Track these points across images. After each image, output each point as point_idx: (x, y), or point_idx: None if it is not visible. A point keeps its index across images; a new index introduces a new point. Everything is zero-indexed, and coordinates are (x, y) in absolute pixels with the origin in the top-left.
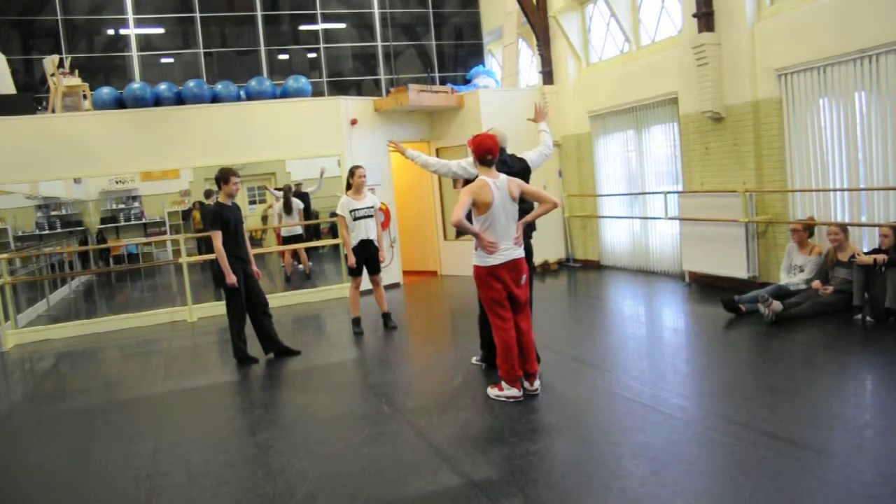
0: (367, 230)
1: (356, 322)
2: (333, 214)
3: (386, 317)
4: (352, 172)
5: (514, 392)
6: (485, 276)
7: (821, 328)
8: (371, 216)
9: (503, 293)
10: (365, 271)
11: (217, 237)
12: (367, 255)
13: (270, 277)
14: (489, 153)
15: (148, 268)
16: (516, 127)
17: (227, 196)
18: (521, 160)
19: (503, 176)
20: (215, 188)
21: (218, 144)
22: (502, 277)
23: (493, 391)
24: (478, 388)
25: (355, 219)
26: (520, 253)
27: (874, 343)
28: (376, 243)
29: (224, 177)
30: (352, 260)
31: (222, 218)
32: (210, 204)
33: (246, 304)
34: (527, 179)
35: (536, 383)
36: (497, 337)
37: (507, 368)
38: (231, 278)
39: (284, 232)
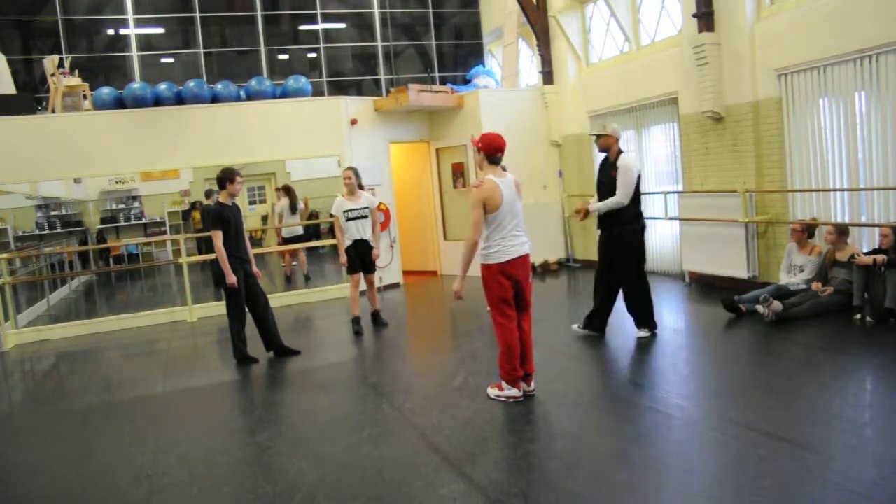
0: (361, 230)
1: (356, 321)
2: (332, 215)
3: (375, 314)
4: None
5: (514, 392)
6: (495, 273)
7: (821, 328)
8: (365, 217)
9: (511, 291)
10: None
11: (218, 237)
12: (361, 255)
13: (270, 277)
14: (499, 151)
15: (148, 268)
16: (516, 127)
17: (229, 196)
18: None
19: (509, 175)
20: (215, 188)
21: (218, 144)
22: (511, 275)
23: (492, 391)
24: (478, 388)
25: (348, 219)
26: (527, 249)
27: (874, 343)
28: (371, 243)
29: (229, 177)
30: (343, 259)
31: (223, 218)
32: (210, 204)
33: (247, 303)
34: (638, 183)
35: (533, 384)
36: (500, 336)
37: (508, 369)
38: (231, 278)
39: (285, 232)
